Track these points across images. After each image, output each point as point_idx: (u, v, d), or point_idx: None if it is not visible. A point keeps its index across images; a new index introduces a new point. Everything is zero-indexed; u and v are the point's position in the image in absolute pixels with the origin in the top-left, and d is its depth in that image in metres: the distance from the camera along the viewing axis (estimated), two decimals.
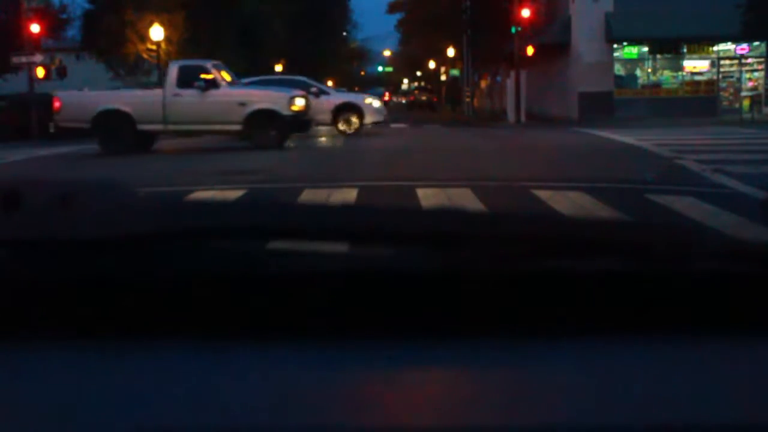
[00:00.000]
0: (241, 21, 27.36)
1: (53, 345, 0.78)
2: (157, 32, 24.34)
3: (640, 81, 28.96)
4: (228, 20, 26.49)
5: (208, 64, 16.88)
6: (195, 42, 25.34)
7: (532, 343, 0.78)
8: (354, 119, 20.84)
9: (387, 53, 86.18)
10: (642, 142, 14.62)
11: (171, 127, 16.40)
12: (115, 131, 15.95)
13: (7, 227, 0.87)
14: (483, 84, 43.25)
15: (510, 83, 28.64)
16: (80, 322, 0.80)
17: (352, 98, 22.14)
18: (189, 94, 15.99)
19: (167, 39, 24.83)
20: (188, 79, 16.10)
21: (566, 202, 7.63)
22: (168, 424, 0.65)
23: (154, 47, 24.64)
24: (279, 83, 19.65)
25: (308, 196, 8.36)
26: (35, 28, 23.39)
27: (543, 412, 0.67)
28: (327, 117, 20.26)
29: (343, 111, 20.86)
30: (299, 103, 16.35)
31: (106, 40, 24.96)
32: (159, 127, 16.38)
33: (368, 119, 21.19)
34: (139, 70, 27.07)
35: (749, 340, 0.80)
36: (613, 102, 27.66)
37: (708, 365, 0.77)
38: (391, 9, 55.78)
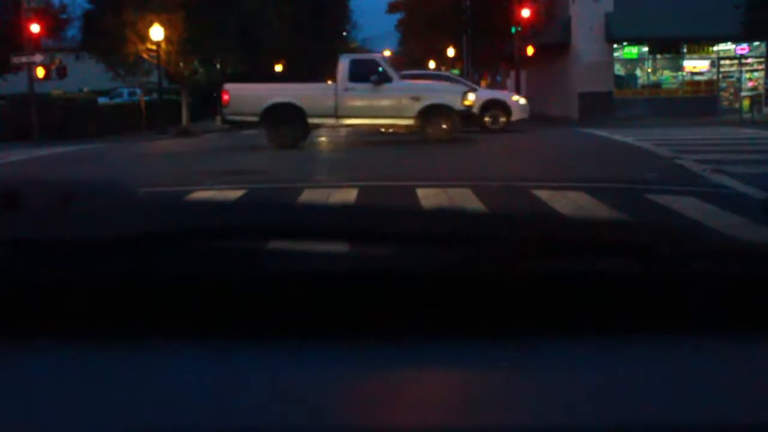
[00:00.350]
0: (241, 21, 27.33)
1: (53, 345, 0.78)
2: (157, 32, 24.32)
3: (640, 81, 28.95)
4: (228, 20, 26.46)
5: (378, 57, 16.75)
6: (195, 42, 25.32)
7: (532, 343, 0.78)
8: (501, 116, 20.53)
9: (387, 53, 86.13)
10: (642, 141, 14.62)
11: (342, 120, 16.24)
12: (286, 124, 15.81)
13: (7, 227, 0.87)
14: (483, 84, 43.24)
15: (510, 83, 28.62)
16: (80, 322, 0.80)
17: (498, 95, 21.74)
18: (362, 88, 15.86)
19: (167, 39, 24.80)
20: (359, 72, 15.96)
21: (566, 202, 7.63)
22: (168, 424, 0.65)
23: (154, 47, 24.62)
24: (424, 78, 19.46)
25: (308, 195, 8.36)
26: (35, 28, 23.38)
27: (543, 412, 0.67)
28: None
29: (490, 107, 20.44)
30: (471, 97, 16.36)
31: (106, 40, 24.92)
32: (330, 120, 16.23)
33: (515, 116, 20.86)
34: (139, 70, 27.05)
35: (749, 340, 0.80)
36: (613, 102, 27.65)
37: (708, 365, 0.77)
38: (391, 9, 55.78)
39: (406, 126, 16.02)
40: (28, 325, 0.80)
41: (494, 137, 17.80)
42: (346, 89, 16.01)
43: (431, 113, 15.75)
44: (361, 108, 15.91)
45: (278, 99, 16.11)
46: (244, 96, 16.52)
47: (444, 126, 15.70)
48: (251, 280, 0.81)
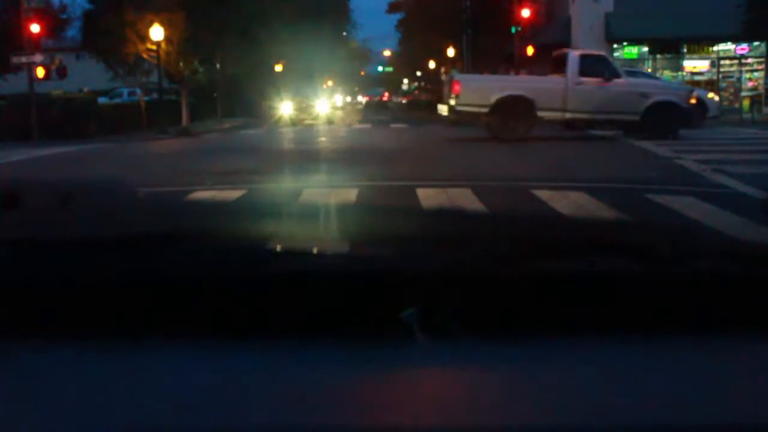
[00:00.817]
0: (241, 21, 27.32)
1: (53, 345, 0.78)
2: (157, 32, 24.32)
3: None
4: (228, 20, 26.45)
5: (605, 53, 16.74)
6: (195, 42, 25.31)
7: (532, 343, 0.78)
8: (699, 113, 20.38)
9: (387, 53, 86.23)
10: (642, 141, 14.62)
11: (569, 115, 16.14)
12: (516, 117, 15.81)
13: (7, 227, 0.87)
14: None
15: None
16: (80, 322, 0.80)
17: (697, 92, 21.73)
18: (592, 83, 15.83)
19: (167, 39, 24.80)
20: (589, 67, 15.97)
21: (566, 202, 7.63)
22: (167, 423, 0.65)
23: (154, 47, 24.61)
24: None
25: (308, 196, 8.36)
26: (35, 28, 23.36)
27: (543, 412, 0.67)
28: None
29: None
30: (695, 95, 16.44)
31: (106, 40, 24.90)
32: (557, 114, 16.14)
33: (711, 112, 20.67)
34: (138, 70, 27.04)
35: (749, 340, 0.80)
36: None
37: (708, 365, 0.77)
38: (391, 9, 55.81)
39: (630, 122, 15.87)
40: (28, 325, 0.80)
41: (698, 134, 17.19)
42: (576, 84, 15.96)
43: (657, 110, 15.64)
44: (589, 102, 15.85)
45: (510, 91, 16.11)
46: (476, 87, 16.51)
47: (668, 124, 15.52)
48: (251, 280, 0.81)
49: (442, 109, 17.43)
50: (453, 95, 16.40)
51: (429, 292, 0.80)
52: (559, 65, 16.70)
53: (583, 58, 16.30)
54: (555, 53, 17.37)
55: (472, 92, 16.23)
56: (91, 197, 0.97)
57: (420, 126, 24.92)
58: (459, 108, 16.38)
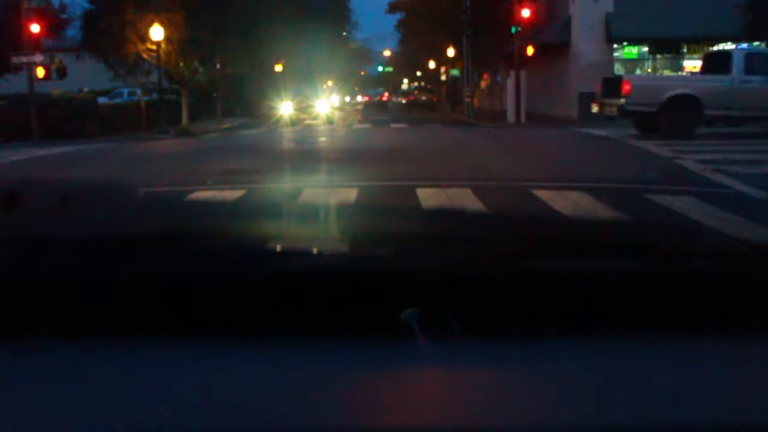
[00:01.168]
0: (241, 21, 27.32)
1: (53, 345, 0.78)
2: (157, 32, 24.32)
3: None
4: (228, 20, 26.45)
5: None
6: (195, 42, 25.32)
7: (532, 343, 0.78)
8: None
9: (387, 53, 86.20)
10: (642, 141, 14.62)
11: (734, 113, 16.17)
12: (684, 116, 15.83)
13: (7, 228, 0.87)
14: (483, 84, 43.21)
15: (510, 83, 28.59)
16: (80, 322, 0.80)
17: None
18: (758, 80, 15.90)
19: (167, 39, 24.80)
20: (755, 65, 16.05)
21: (566, 202, 7.62)
22: (168, 424, 0.65)
23: (154, 47, 24.62)
24: None
25: (308, 196, 8.36)
26: (35, 28, 23.35)
27: (543, 412, 0.67)
28: None
29: None
30: None
31: (106, 40, 24.92)
32: (724, 112, 16.17)
33: None
34: (138, 70, 27.03)
35: (749, 340, 0.80)
36: None
37: (708, 365, 0.77)
38: (391, 9, 55.83)
39: None
40: (28, 325, 0.80)
41: None
42: (742, 81, 16.04)
43: None
44: (754, 101, 15.89)
45: (679, 90, 16.17)
46: (646, 87, 16.57)
47: None
48: (251, 280, 0.81)
49: (610, 110, 17.28)
50: (623, 95, 16.39)
51: (429, 291, 0.80)
52: (714, 63, 16.70)
53: (749, 56, 16.37)
54: (709, 51, 17.32)
55: (642, 92, 16.24)
56: (91, 197, 0.97)
57: (420, 126, 24.93)
58: (630, 108, 16.35)
